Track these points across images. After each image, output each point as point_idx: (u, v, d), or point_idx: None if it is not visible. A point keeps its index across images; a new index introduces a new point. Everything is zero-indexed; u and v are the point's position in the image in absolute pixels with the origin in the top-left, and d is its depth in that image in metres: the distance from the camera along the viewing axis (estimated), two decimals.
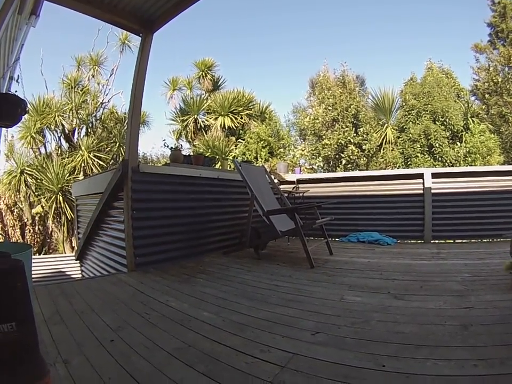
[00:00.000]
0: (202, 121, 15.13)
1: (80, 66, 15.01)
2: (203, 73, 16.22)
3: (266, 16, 36.73)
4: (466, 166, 11.45)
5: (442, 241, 5.53)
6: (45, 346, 1.89)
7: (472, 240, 5.39)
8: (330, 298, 2.74)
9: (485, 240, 5.41)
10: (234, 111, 14.48)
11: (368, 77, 16.47)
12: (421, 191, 5.67)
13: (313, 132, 13.85)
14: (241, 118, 14.49)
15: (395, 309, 2.40)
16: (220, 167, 7.67)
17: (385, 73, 33.45)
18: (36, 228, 13.18)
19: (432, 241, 5.49)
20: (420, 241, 5.60)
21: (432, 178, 5.61)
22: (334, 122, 13.47)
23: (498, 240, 5.21)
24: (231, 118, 14.32)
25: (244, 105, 14.79)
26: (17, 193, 12.31)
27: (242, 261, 4.42)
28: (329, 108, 13.54)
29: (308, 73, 21.19)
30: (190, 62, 16.79)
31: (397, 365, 1.61)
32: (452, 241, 5.52)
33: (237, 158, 12.67)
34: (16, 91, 4.26)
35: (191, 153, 8.75)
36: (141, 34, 4.35)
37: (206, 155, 9.63)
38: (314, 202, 5.26)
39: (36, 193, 12.23)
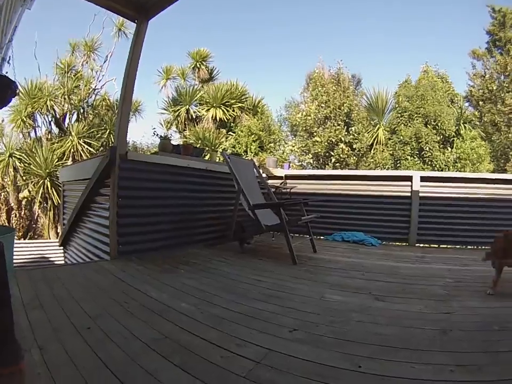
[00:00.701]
0: (194, 112, 15.11)
1: (74, 51, 14.91)
2: (197, 63, 16.20)
3: (263, 9, 36.54)
4: (456, 171, 11.56)
5: (427, 245, 5.60)
6: (21, 331, 1.87)
7: (457, 246, 5.46)
8: (311, 296, 2.74)
9: (470, 247, 5.48)
10: (227, 104, 14.46)
11: (364, 77, 16.55)
12: (409, 194, 5.70)
13: (304, 128, 13.85)
14: (233, 110, 14.48)
15: (375, 310, 2.40)
16: (209, 159, 7.59)
17: (382, 73, 33.97)
18: (22, 213, 12.91)
19: (417, 245, 5.55)
20: (404, 243, 5.64)
21: (420, 181, 5.64)
22: (326, 120, 13.48)
23: (484, 248, 5.22)
24: (223, 110, 14.30)
25: (237, 98, 14.78)
26: (5, 176, 12.15)
27: (226, 254, 4.40)
28: (322, 105, 13.55)
29: (303, 69, 21.21)
30: (185, 52, 16.74)
31: (374, 366, 1.60)
32: (437, 245, 5.58)
33: (226, 150, 12.62)
34: (7, 72, 4.22)
35: (180, 143, 8.65)
36: (136, 21, 4.28)
37: (196, 146, 9.57)
38: (301, 198, 5.26)
39: (24, 178, 12.06)
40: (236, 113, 14.56)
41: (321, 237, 5.93)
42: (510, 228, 2.96)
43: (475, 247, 5.45)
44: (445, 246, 5.53)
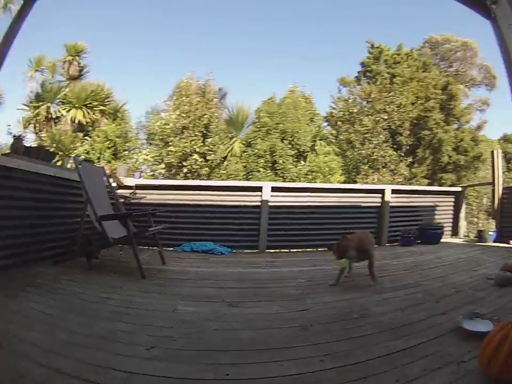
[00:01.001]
0: (55, 111, 13.75)
1: None
2: (71, 57, 14.99)
3: (143, 13, 34.64)
4: (307, 182, 12.48)
5: (277, 250, 5.86)
6: None
7: (309, 249, 5.83)
8: (163, 309, 2.62)
9: (321, 250, 5.84)
10: (89, 105, 13.63)
11: (235, 92, 17.03)
12: (259, 203, 5.89)
13: (161, 137, 13.62)
14: (94, 113, 13.60)
15: (230, 316, 2.40)
16: (61, 165, 6.92)
17: (249, 91, 34.75)
18: None
19: (266, 251, 5.75)
20: (255, 251, 5.80)
21: (271, 191, 5.88)
22: (184, 130, 13.46)
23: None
24: (84, 112, 13.42)
25: (100, 100, 14.04)
26: None
27: (74, 272, 3.97)
28: (183, 114, 13.54)
29: (175, 78, 20.85)
30: (60, 43, 15.50)
31: (241, 371, 1.59)
32: (288, 250, 5.89)
33: (80, 156, 11.74)
34: None
35: (33, 145, 7.72)
36: None
37: (50, 149, 8.69)
38: (150, 209, 5.09)
39: None
40: (96, 116, 13.71)
41: (171, 248, 5.77)
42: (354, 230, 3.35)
43: (326, 249, 5.87)
44: (295, 250, 5.86)
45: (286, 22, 33.60)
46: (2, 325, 2.25)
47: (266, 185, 5.96)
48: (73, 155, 11.49)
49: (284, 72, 32.92)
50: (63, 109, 13.71)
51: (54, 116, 13.85)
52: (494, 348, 1.49)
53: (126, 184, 6.25)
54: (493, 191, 7.05)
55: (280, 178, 13.03)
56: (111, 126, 13.39)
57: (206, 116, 13.67)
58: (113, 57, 32.51)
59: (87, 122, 13.59)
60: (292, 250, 5.90)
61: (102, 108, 13.96)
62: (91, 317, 2.42)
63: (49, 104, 13.73)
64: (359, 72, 17.34)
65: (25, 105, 14.42)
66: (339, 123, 15.49)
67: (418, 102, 14.88)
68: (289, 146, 13.71)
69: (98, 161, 11.95)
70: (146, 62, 35.31)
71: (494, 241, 6.59)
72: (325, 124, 17.17)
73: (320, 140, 14.91)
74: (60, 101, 14.08)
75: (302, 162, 13.74)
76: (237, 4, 32.70)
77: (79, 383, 1.56)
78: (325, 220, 6.01)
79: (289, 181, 12.65)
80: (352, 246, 3.21)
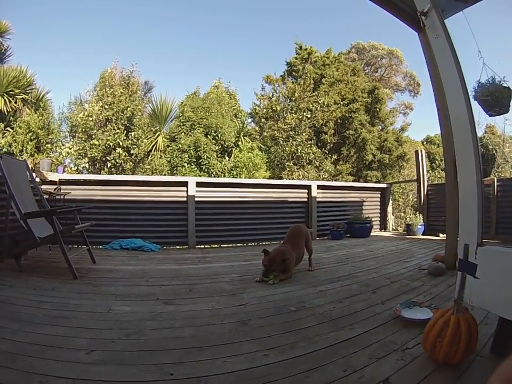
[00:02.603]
0: None
1: None
2: None
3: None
4: (232, 178, 12.52)
5: (207, 246, 5.91)
6: None
7: (239, 244, 5.93)
8: (98, 310, 2.54)
9: (251, 244, 6.04)
10: (10, 93, 12.23)
11: (159, 85, 16.54)
12: (185, 199, 5.90)
13: (84, 129, 12.92)
14: (16, 102, 12.40)
15: (167, 314, 2.39)
16: None
17: (174, 85, 34.25)
18: None
19: (197, 246, 5.78)
20: (185, 246, 5.80)
21: (196, 187, 5.92)
22: (107, 123, 12.87)
23: (263, 243, 5.93)
24: (5, 100, 12.06)
25: (22, 87, 12.59)
26: None
27: (2, 274, 3.74)
28: (106, 106, 12.88)
29: (98, 67, 19.65)
30: None
31: (185, 371, 1.59)
32: (218, 246, 5.94)
33: (1, 149, 10.83)
34: None
35: None
36: None
37: None
38: (76, 205, 4.90)
39: None
40: (18, 105, 12.56)
41: (100, 246, 5.58)
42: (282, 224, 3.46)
43: (256, 243, 6.06)
44: (226, 245, 5.94)
45: (214, 14, 34.30)
46: None
47: (191, 180, 6.01)
48: None
49: (209, 67, 33.21)
50: None
51: None
52: (437, 334, 1.62)
53: (49, 179, 5.93)
54: (419, 187, 7.78)
55: (205, 173, 12.93)
56: (33, 116, 12.34)
57: (129, 109, 13.11)
58: (34, 38, 30.30)
59: (8, 112, 12.42)
60: (221, 245, 5.96)
61: (24, 96, 12.70)
62: (27, 323, 2.26)
63: None
64: (284, 71, 17.67)
65: None
66: (263, 120, 15.71)
67: (342, 102, 15.53)
68: (214, 141, 13.63)
69: (21, 155, 11.02)
70: (69, 49, 33.41)
71: (422, 234, 7.31)
72: (249, 120, 17.35)
73: (244, 135, 15.00)
74: None
75: (227, 158, 13.74)
76: None
77: None
78: (253, 215, 6.18)
79: (214, 177, 12.60)
80: (277, 262, 3.28)
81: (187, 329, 2.10)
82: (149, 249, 5.29)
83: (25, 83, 12.91)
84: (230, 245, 5.96)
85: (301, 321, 2.18)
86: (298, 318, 2.23)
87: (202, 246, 5.85)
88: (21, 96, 12.55)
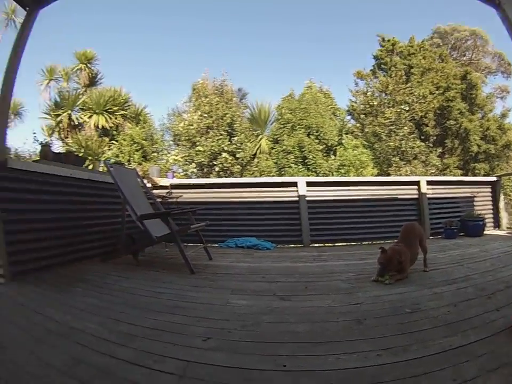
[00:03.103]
0: (76, 118, 14.09)
1: None
2: (82, 65, 15.25)
3: (156, 15, 35.14)
4: (341, 176, 12.30)
5: (321, 244, 5.80)
6: None
7: (353, 243, 5.72)
8: (216, 303, 2.65)
9: (365, 243, 5.79)
10: (110, 110, 13.81)
11: (249, 92, 17.00)
12: (297, 198, 5.87)
13: (187, 137, 13.73)
14: (116, 118, 13.83)
15: (283, 309, 2.38)
16: (93, 169, 7.04)
17: (267, 90, 35.11)
18: None
19: (311, 245, 5.71)
20: (299, 245, 5.77)
21: (306, 186, 5.86)
22: (209, 130, 13.56)
23: (377, 242, 5.59)
24: (105, 118, 13.63)
25: (120, 105, 14.21)
26: None
27: (121, 268, 4.08)
28: (205, 114, 13.62)
29: (188, 80, 21.07)
30: (71, 52, 15.61)
31: (298, 364, 1.58)
32: (332, 244, 5.80)
33: (109, 159, 11.95)
34: None
35: (62, 151, 7.91)
36: (27, 8, 3.70)
37: (79, 155, 8.91)
38: (189, 207, 5.11)
39: None
40: (119, 121, 13.96)
41: (215, 245, 5.82)
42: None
43: (370, 242, 5.81)
44: (340, 244, 5.77)
45: (285, 22, 34.33)
46: (59, 316, 2.38)
47: (301, 180, 5.97)
48: (102, 159, 11.81)
49: (290, 73, 33.33)
50: (85, 115, 13.97)
51: (76, 123, 14.20)
52: None
53: (160, 184, 6.33)
54: None
55: (313, 173, 12.89)
56: (135, 129, 13.57)
57: (228, 115, 13.68)
58: (121, 62, 33.29)
59: (110, 127, 13.85)
60: (335, 244, 5.81)
61: (122, 112, 14.19)
62: (145, 310, 2.49)
63: (69, 111, 14.04)
64: (373, 65, 17.17)
65: (45, 113, 14.78)
66: (362, 116, 15.31)
67: (437, 92, 14.59)
68: (317, 141, 13.54)
69: (129, 164, 12.15)
70: (159, 66, 36.10)
71: None
72: (348, 117, 16.96)
73: (346, 133, 14.67)
74: (80, 108, 14.36)
75: (332, 157, 13.56)
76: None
77: (139, 370, 1.62)
78: (364, 214, 5.93)
79: (322, 176, 12.50)
80: (393, 262, 3.10)
81: (302, 324, 2.08)
82: (264, 247, 5.36)
83: (122, 101, 14.34)
84: (343, 244, 5.76)
85: (415, 323, 2.05)
86: (413, 320, 2.10)
87: (316, 245, 5.76)
88: (120, 113, 13.99)
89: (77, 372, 1.64)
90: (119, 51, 33.48)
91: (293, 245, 5.83)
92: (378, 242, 5.60)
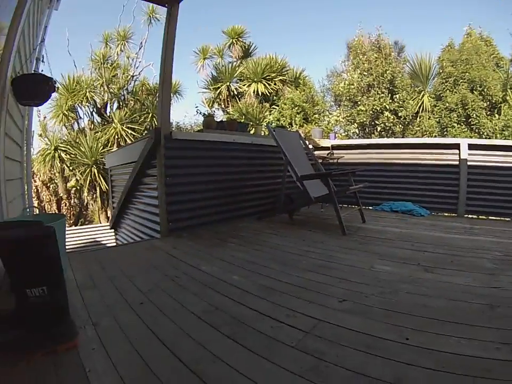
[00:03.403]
0: (235, 88, 15.04)
1: (108, 43, 15.15)
2: (233, 40, 15.97)
3: None
4: (503, 139, 10.68)
5: (475, 216, 5.34)
6: (76, 310, 1.96)
7: (507, 219, 5.07)
8: (360, 266, 2.72)
9: None
10: (267, 78, 14.23)
11: (406, 44, 15.62)
12: (457, 163, 5.45)
13: (348, 97, 13.44)
14: (275, 84, 14.21)
15: (424, 281, 2.35)
16: (255, 133, 7.55)
17: (422, 41, 31.89)
18: (72, 201, 13.66)
19: (465, 216, 5.31)
20: (453, 214, 5.43)
21: (468, 149, 5.36)
22: (370, 88, 13.02)
23: None
24: (264, 85, 14.11)
25: (277, 71, 14.48)
26: (52, 169, 12.72)
27: (275, 226, 4.43)
28: (365, 73, 13.08)
29: (342, 38, 20.36)
30: (219, 30, 16.57)
31: (421, 339, 1.58)
32: (485, 217, 5.25)
33: (271, 123, 12.49)
34: (42, 70, 4.44)
35: (224, 120, 8.66)
36: (166, 5, 4.26)
37: (240, 121, 9.57)
38: (349, 168, 5.18)
39: (71, 168, 12.63)
40: (278, 86, 14.32)
41: (370, 207, 5.86)
42: None
43: None
44: (494, 217, 5.19)
45: None
46: (206, 267, 2.73)
47: (464, 142, 5.46)
48: (264, 123, 12.33)
49: (445, 23, 29.38)
50: (243, 85, 14.65)
51: (235, 93, 15.05)
52: None
53: (322, 145, 6.52)
54: None
55: (476, 134, 11.39)
56: (295, 92, 13.67)
57: (388, 72, 12.85)
58: (273, 32, 32.78)
59: (270, 93, 14.21)
60: (489, 217, 5.25)
61: (281, 77, 14.38)
62: (291, 267, 2.70)
63: (228, 83, 14.93)
64: None
65: (204, 88, 16.09)
66: None
67: None
68: (480, 97, 11.79)
69: (291, 127, 12.45)
70: (310, 28, 34.51)
71: None
72: None
73: (510, 88, 12.17)
74: (238, 79, 15.14)
75: (496, 116, 11.64)
76: None
77: (269, 322, 1.79)
78: None
79: (485, 138, 10.98)
80: None
81: (437, 300, 2.05)
82: (419, 213, 5.23)
83: (279, 67, 14.42)
84: (497, 218, 5.16)
85: None
86: None
87: (470, 216, 5.33)
88: (278, 78, 14.14)
89: (211, 317, 1.85)
90: (268, 22, 33.54)
91: (446, 214, 5.49)
92: None
